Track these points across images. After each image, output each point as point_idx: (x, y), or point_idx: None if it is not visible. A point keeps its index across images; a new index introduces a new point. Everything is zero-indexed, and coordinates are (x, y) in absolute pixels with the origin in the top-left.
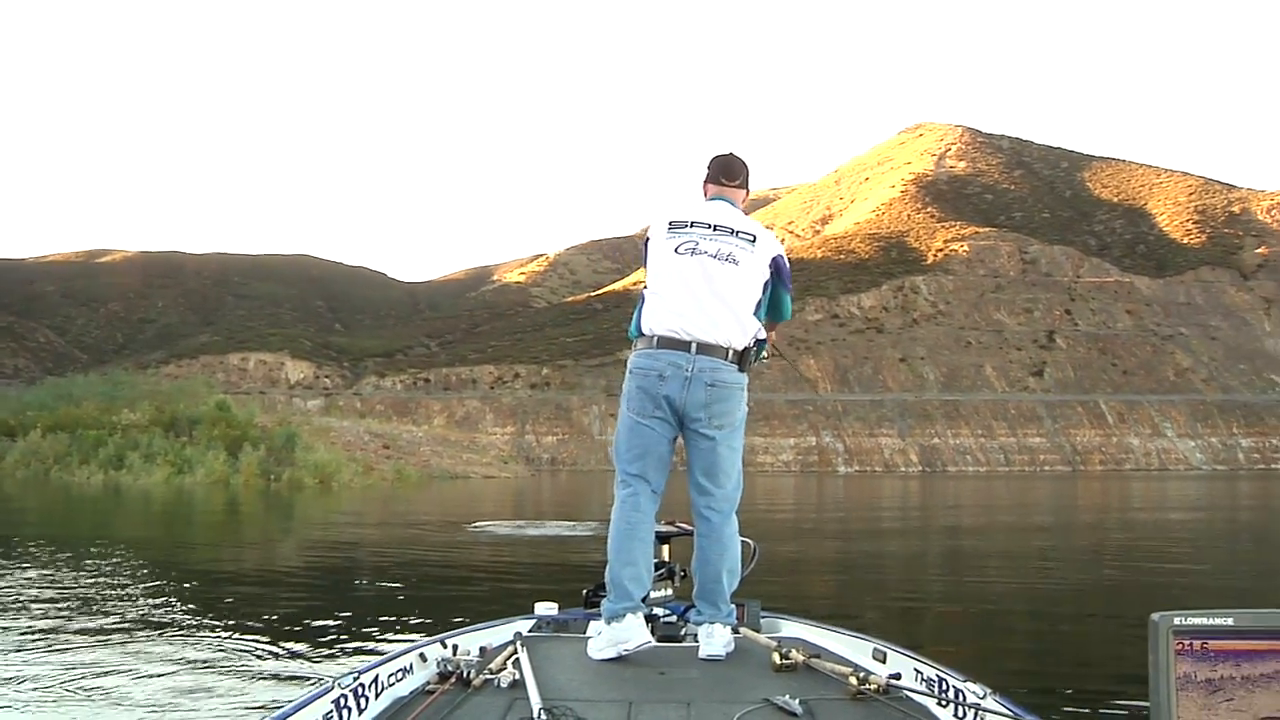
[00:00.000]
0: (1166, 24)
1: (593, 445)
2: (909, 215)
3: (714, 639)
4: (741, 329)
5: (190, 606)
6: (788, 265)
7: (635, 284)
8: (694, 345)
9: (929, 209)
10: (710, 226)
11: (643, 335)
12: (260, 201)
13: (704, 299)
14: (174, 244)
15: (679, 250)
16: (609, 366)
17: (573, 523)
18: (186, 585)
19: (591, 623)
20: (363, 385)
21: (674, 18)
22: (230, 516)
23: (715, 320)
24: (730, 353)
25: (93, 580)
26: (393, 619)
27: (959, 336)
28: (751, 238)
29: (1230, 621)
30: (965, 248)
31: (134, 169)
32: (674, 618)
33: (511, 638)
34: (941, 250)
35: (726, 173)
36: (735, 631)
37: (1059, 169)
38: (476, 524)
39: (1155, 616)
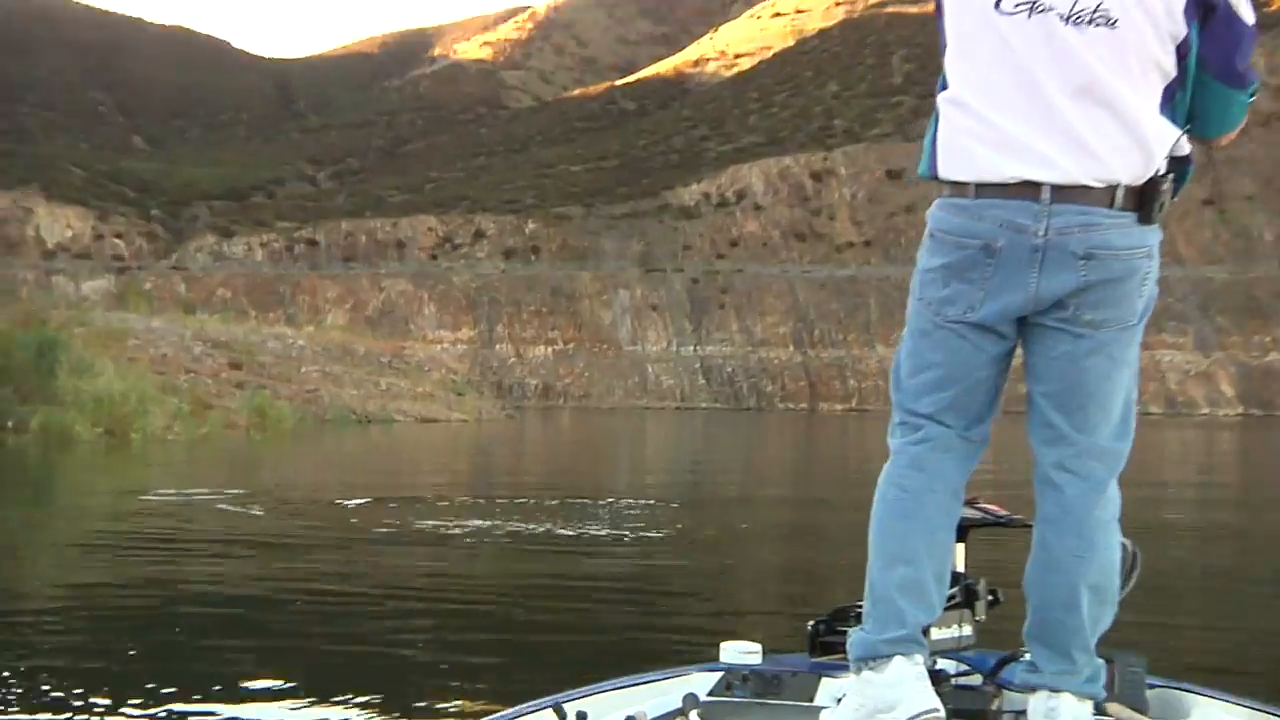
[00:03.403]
0: None
1: (621, 363)
2: None
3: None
4: (1139, 148)
5: None
6: (1236, 8)
7: (701, 64)
8: (1048, 189)
9: None
10: None
11: (947, 178)
12: None
13: (1061, 99)
14: None
15: (1006, 7)
16: (651, 218)
17: (588, 502)
18: None
19: (824, 679)
20: (188, 253)
21: None
22: None
23: (1086, 136)
24: (1120, 194)
25: None
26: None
27: None
28: None
29: None
30: None
31: None
32: (978, 677)
33: (681, 704)
34: None
35: None
36: (1101, 711)
37: None
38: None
39: None
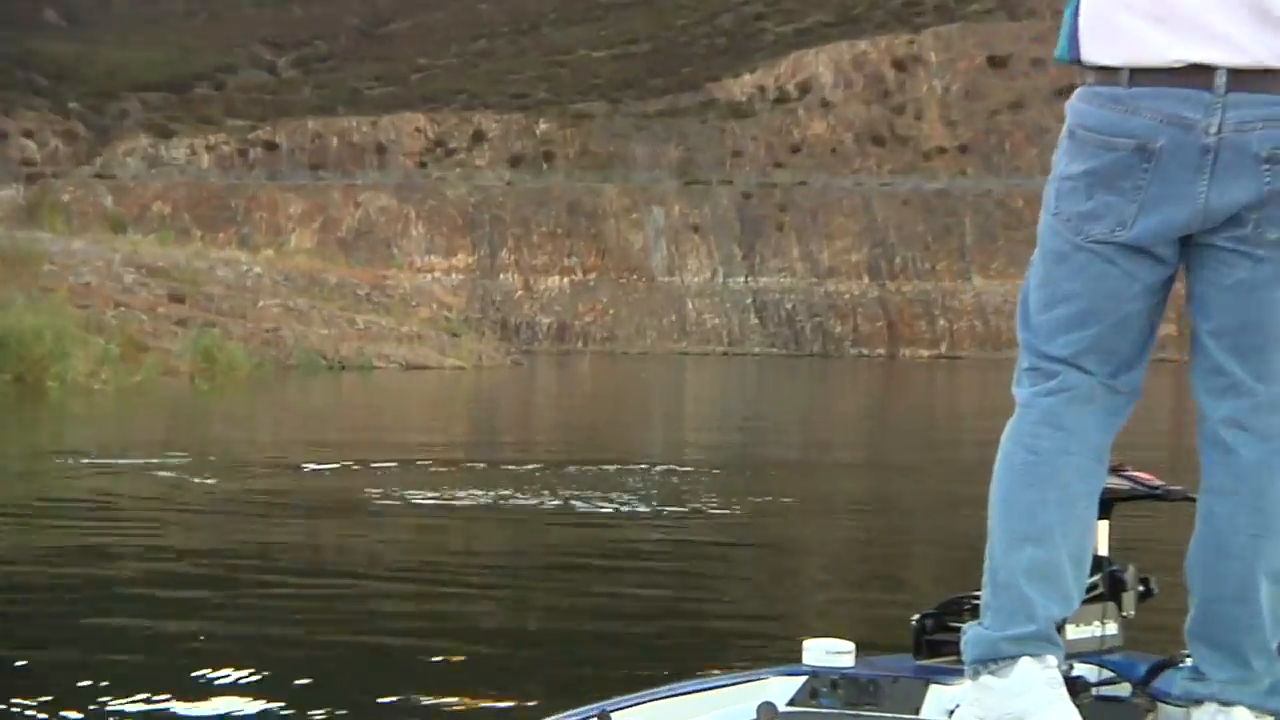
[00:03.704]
0: None
1: (654, 298)
2: None
3: None
4: None
5: None
6: None
7: None
8: (1223, 74)
9: None
10: None
11: (1092, 61)
12: None
13: None
14: None
15: None
16: (692, 118)
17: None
18: None
19: (932, 686)
20: (115, 158)
21: None
22: None
23: (1273, 6)
24: None
25: None
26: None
27: None
28: None
29: None
30: None
31: None
32: (1126, 686)
33: (756, 715)
34: None
35: None
36: None
37: None
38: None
39: None
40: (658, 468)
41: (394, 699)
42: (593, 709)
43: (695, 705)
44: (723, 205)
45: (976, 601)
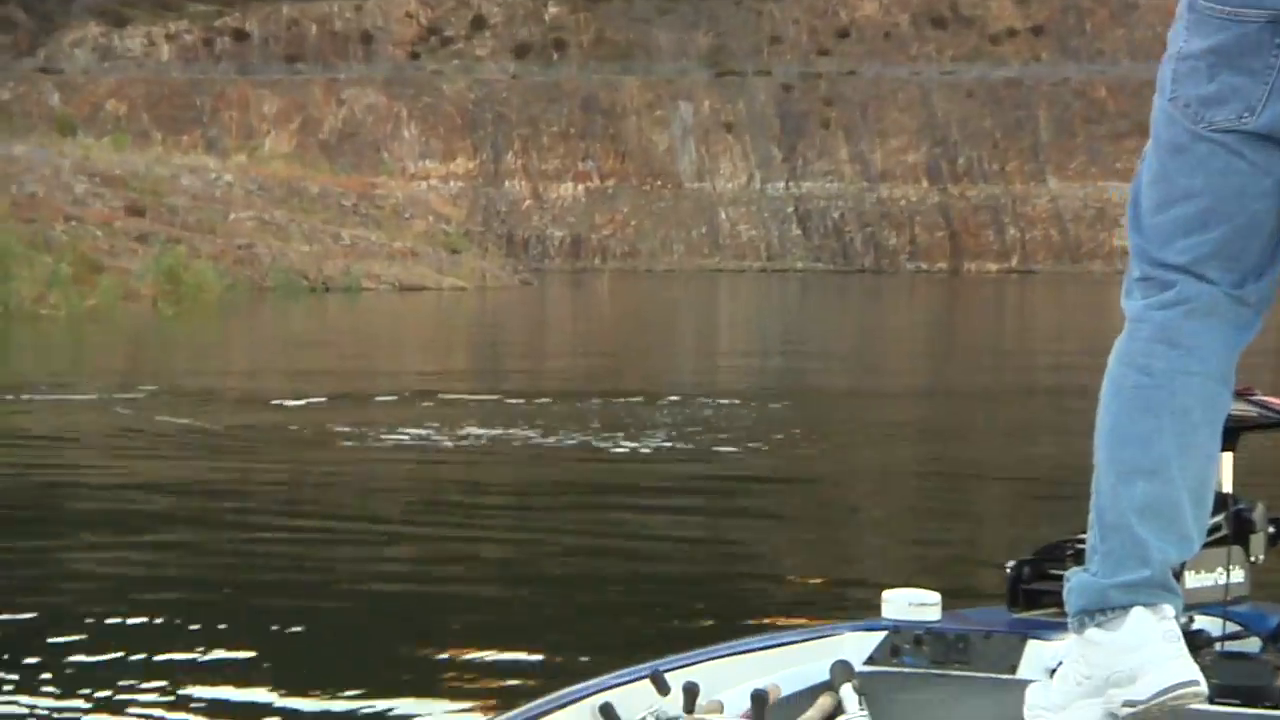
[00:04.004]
0: None
1: (682, 207)
2: None
3: None
4: None
5: None
6: None
7: None
8: None
9: None
10: None
11: None
12: None
13: None
14: None
15: None
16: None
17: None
18: None
19: (1030, 641)
20: (61, 50)
21: None
22: None
23: None
24: None
25: None
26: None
27: None
28: None
29: None
30: None
31: None
32: (1255, 640)
33: (829, 675)
34: None
35: None
36: None
37: None
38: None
39: None
40: (690, 399)
41: (401, 652)
42: (644, 669)
43: (759, 664)
44: (759, 100)
45: (1081, 546)
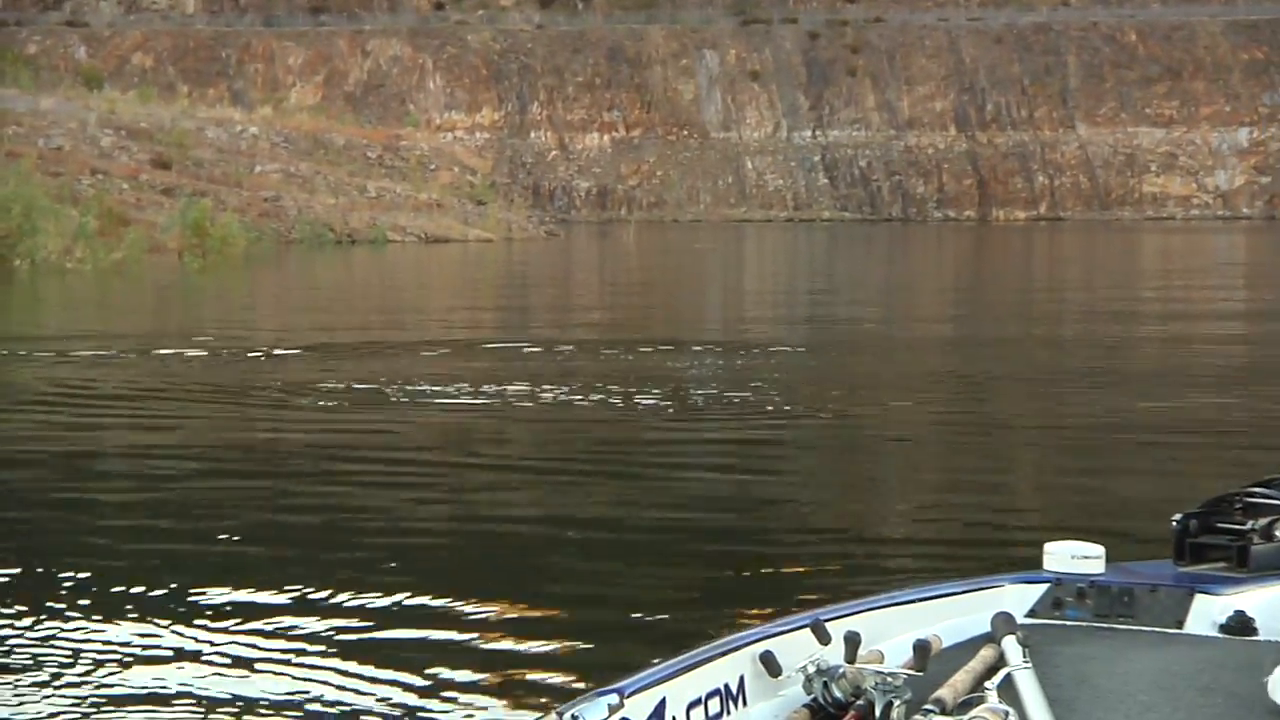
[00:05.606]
0: None
1: (708, 156)
2: None
3: None
4: None
5: None
6: None
7: None
8: None
9: None
10: None
11: None
12: None
13: None
14: None
15: None
16: None
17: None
18: None
19: (1198, 596)
20: (85, 2)
21: None
22: None
23: None
24: None
25: None
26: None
27: None
28: None
29: None
30: None
31: None
32: None
33: (990, 627)
34: None
35: None
36: None
37: None
38: None
39: None
40: (727, 348)
41: (436, 607)
42: (804, 618)
43: (919, 615)
44: (785, 48)
45: (1250, 499)
